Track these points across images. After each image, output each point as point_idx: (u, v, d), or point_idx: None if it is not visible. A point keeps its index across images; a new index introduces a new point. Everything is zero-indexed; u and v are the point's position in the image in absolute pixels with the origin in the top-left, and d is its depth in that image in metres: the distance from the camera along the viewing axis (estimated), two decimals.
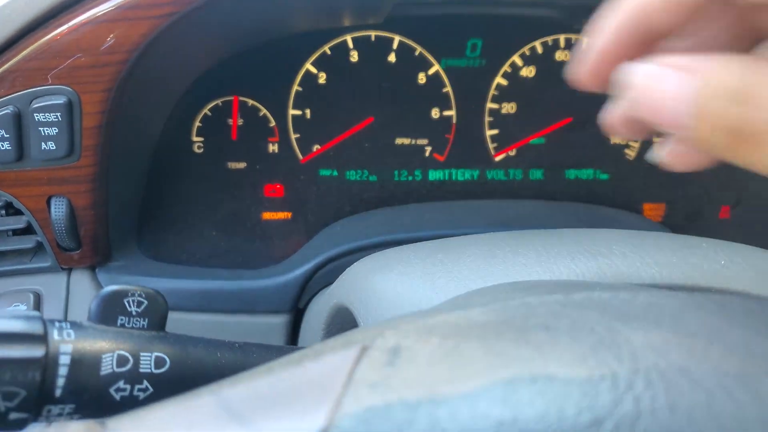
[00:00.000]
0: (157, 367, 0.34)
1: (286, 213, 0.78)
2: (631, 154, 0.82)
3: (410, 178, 0.81)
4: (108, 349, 0.32)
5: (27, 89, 0.50)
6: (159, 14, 0.48)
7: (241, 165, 0.78)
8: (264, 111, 0.77)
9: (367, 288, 0.42)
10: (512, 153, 0.81)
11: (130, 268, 0.63)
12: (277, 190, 0.78)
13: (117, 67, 0.49)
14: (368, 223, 0.68)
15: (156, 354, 0.34)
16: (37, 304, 0.61)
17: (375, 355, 0.20)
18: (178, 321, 0.64)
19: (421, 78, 0.78)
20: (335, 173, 0.79)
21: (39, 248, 0.61)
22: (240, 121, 0.77)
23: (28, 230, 0.60)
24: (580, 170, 0.82)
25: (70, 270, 0.63)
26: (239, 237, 0.74)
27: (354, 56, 0.77)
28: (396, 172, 0.80)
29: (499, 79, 0.79)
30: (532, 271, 0.40)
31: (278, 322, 0.63)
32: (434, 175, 0.81)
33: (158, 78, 0.61)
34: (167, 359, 0.34)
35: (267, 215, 0.78)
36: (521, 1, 0.74)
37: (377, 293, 0.41)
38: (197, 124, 0.76)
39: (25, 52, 0.50)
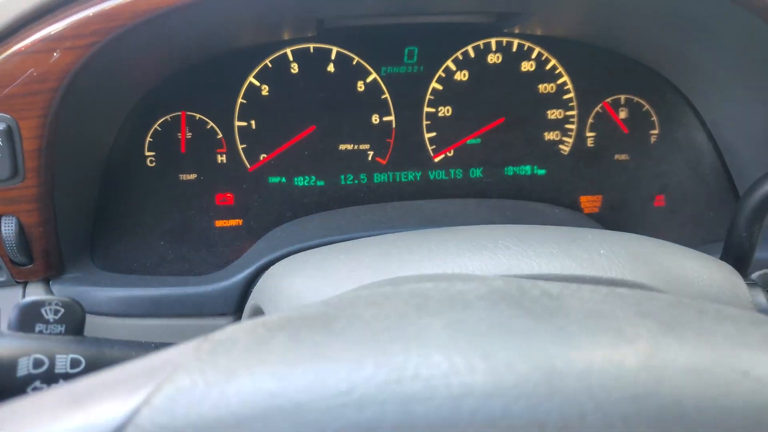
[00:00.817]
0: (72, 367, 0.38)
1: (237, 220, 0.82)
2: (565, 149, 0.86)
3: (356, 181, 0.85)
4: (24, 353, 0.36)
5: None
6: (82, 44, 0.51)
7: (192, 176, 0.81)
8: (211, 124, 0.81)
9: (276, 289, 0.46)
10: (451, 154, 0.85)
11: (82, 279, 0.67)
12: (228, 198, 0.82)
13: (49, 94, 0.53)
14: (307, 226, 0.72)
15: (72, 356, 0.38)
16: None
17: (205, 346, 0.24)
18: (130, 327, 0.68)
19: (360, 86, 0.82)
20: (284, 180, 0.83)
21: None
22: (189, 135, 0.81)
23: None
24: (518, 167, 0.86)
25: (25, 284, 0.67)
26: (187, 245, 0.78)
27: (294, 68, 0.81)
28: (342, 177, 0.84)
29: (435, 84, 0.83)
30: (420, 267, 0.44)
31: (224, 323, 0.66)
32: (379, 177, 0.85)
33: (99, 99, 0.65)
34: (83, 360, 0.38)
35: (219, 223, 0.82)
36: (452, 10, 0.78)
37: (284, 293, 0.45)
38: (148, 139, 0.80)
39: None
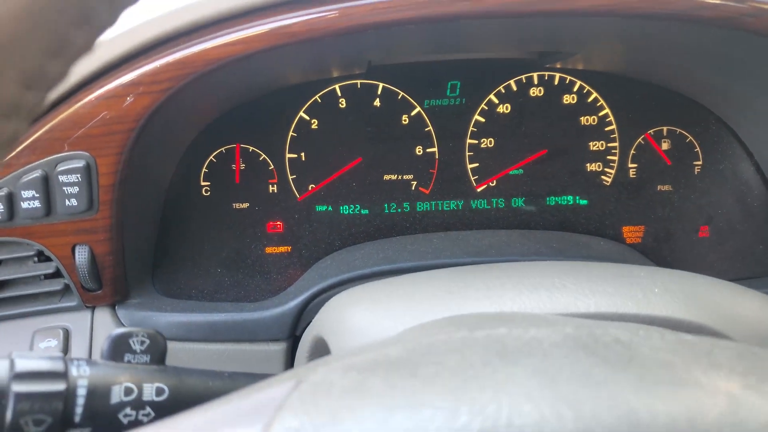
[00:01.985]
0: (158, 395, 0.41)
1: (286, 247, 0.86)
2: (607, 180, 0.87)
3: (399, 210, 0.87)
4: (116, 381, 0.39)
5: (50, 156, 0.59)
6: (158, 90, 0.56)
7: (245, 205, 0.85)
8: (263, 156, 0.85)
9: (338, 321, 0.48)
10: (493, 184, 0.87)
11: (145, 305, 0.71)
12: (278, 226, 0.86)
13: (126, 134, 0.58)
14: (356, 255, 0.75)
15: (157, 384, 0.41)
16: (66, 339, 0.69)
17: (304, 387, 0.27)
18: (189, 351, 0.71)
19: (405, 119, 0.85)
20: (330, 209, 0.87)
21: (66, 290, 0.70)
22: (242, 166, 0.85)
23: (56, 274, 0.69)
24: (560, 197, 0.87)
25: (93, 308, 0.71)
26: (242, 272, 0.81)
27: (342, 103, 0.85)
28: (386, 206, 0.87)
29: (477, 117, 0.86)
30: (480, 305, 0.45)
31: (277, 349, 0.69)
32: (422, 206, 0.87)
33: (165, 138, 0.69)
34: (166, 389, 0.41)
35: (269, 249, 0.86)
36: (494, 51, 0.81)
37: (346, 326, 0.47)
38: (204, 170, 0.85)
39: (49, 125, 0.58)
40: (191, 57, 0.55)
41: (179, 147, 0.78)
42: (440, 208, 0.87)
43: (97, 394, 0.38)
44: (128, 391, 0.39)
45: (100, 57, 0.57)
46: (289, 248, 0.86)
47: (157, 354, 0.42)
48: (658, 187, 0.86)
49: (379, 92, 0.84)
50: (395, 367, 0.27)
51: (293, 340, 0.71)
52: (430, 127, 0.86)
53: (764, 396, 0.24)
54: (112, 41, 0.58)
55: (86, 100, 0.58)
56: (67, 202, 0.62)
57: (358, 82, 0.84)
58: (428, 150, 0.86)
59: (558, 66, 0.84)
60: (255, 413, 0.25)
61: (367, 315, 0.47)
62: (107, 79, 0.58)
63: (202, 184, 0.85)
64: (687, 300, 0.47)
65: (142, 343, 0.42)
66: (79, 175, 0.61)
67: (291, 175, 0.85)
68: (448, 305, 0.46)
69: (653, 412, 0.23)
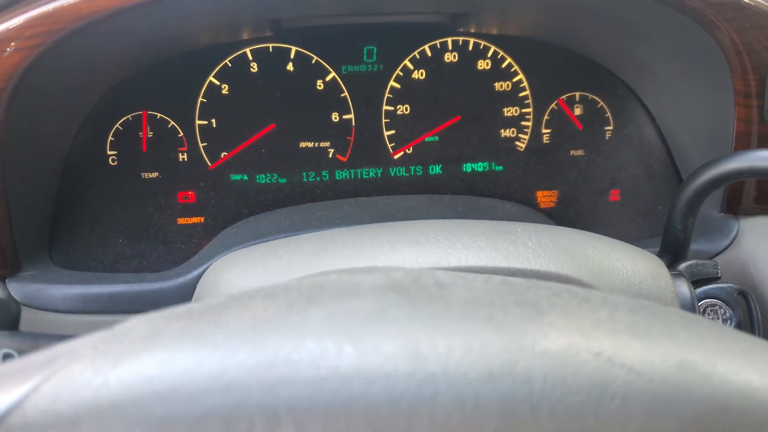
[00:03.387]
0: (5, 360, 0.39)
1: (199, 218, 0.84)
2: (521, 146, 0.88)
3: (318, 179, 0.86)
4: None
5: None
6: (27, 47, 0.52)
7: (154, 175, 0.82)
8: (172, 123, 0.82)
9: (214, 285, 0.47)
10: (410, 151, 0.86)
11: (39, 277, 0.68)
12: (189, 196, 0.83)
13: None
14: (262, 223, 0.74)
15: (4, 350, 0.39)
16: None
17: (104, 335, 0.26)
18: (87, 323, 0.69)
19: (320, 85, 0.83)
20: (245, 178, 0.85)
21: None
22: (150, 134, 0.82)
23: None
24: (475, 163, 0.88)
25: None
26: (144, 242, 0.79)
27: (254, 67, 0.82)
28: (304, 174, 0.86)
29: (393, 83, 0.85)
30: (353, 261, 0.45)
31: None
32: (341, 175, 0.86)
33: (53, 100, 0.66)
34: (15, 354, 0.39)
35: (182, 221, 0.83)
36: (405, 10, 0.80)
37: (220, 289, 0.46)
38: (110, 138, 0.81)
39: None
40: (59, 11, 0.52)
41: (76, 112, 0.75)
42: (359, 176, 0.87)
43: None
44: None
45: None
46: (202, 219, 0.84)
47: (7, 319, 0.40)
48: (571, 152, 0.88)
49: (292, 56, 0.82)
50: (203, 313, 0.27)
51: None
52: (346, 93, 0.84)
53: (549, 328, 0.25)
54: None
55: None
56: None
57: (270, 45, 0.82)
58: (344, 117, 0.85)
59: (472, 30, 0.83)
60: (47, 363, 0.24)
61: (242, 277, 0.46)
62: None
63: (109, 153, 0.81)
64: (558, 253, 0.48)
65: None
66: None
67: (202, 142, 0.83)
68: (320, 264, 0.45)
69: (433, 343, 0.23)
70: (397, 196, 0.82)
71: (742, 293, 0.52)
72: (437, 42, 0.84)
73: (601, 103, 0.87)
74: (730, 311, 0.51)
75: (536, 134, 0.87)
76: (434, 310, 0.26)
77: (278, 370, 0.22)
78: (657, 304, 0.32)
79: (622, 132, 0.87)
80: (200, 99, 0.82)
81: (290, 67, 0.83)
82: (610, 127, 0.88)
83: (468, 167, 0.88)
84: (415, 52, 0.84)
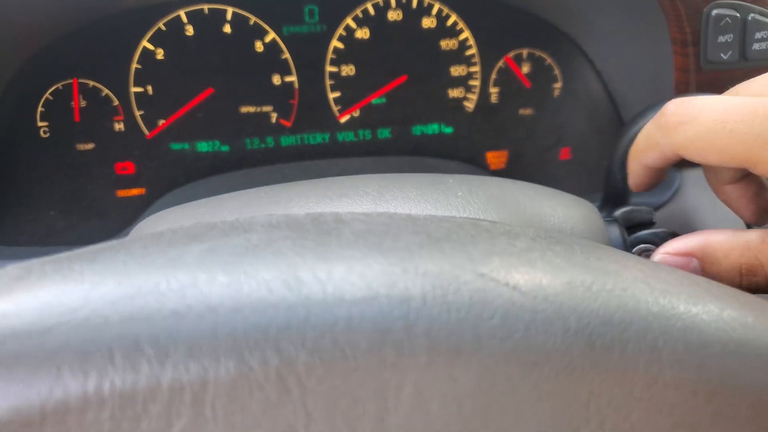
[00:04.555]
0: None
1: (140, 189, 0.81)
2: (469, 106, 0.87)
3: (263, 145, 0.84)
4: None
5: None
6: None
7: (90, 146, 0.79)
8: (106, 91, 0.78)
9: None
10: (356, 114, 0.85)
11: None
12: (128, 167, 0.80)
13: None
14: (198, 191, 0.71)
15: None
16: None
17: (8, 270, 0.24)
18: None
19: (259, 47, 0.81)
20: (186, 146, 0.82)
21: None
22: (83, 103, 0.78)
23: None
24: (425, 125, 0.87)
25: None
26: (79, 215, 0.76)
27: (189, 30, 0.79)
28: (248, 141, 0.83)
29: (336, 43, 0.82)
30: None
31: None
32: (286, 141, 0.84)
33: None
34: None
35: (122, 193, 0.80)
36: None
37: None
38: (40, 109, 0.77)
39: None
40: None
41: None
42: (306, 142, 0.84)
43: None
44: None
45: None
46: (143, 190, 0.81)
47: None
48: (520, 111, 0.87)
49: (229, 18, 0.79)
50: (80, 254, 0.25)
51: None
52: (288, 55, 0.81)
53: (438, 252, 0.24)
54: None
55: None
56: None
57: (205, 6, 0.78)
58: (286, 79, 0.82)
59: None
60: None
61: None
62: None
63: (40, 124, 0.77)
64: (488, 201, 0.47)
65: None
66: None
67: (138, 111, 0.79)
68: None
69: (314, 269, 0.22)
70: (340, 159, 0.80)
71: (675, 236, 0.52)
72: (379, 0, 0.82)
73: (549, 59, 0.87)
74: None
75: (484, 94, 0.86)
76: (324, 240, 0.25)
77: (142, 301, 0.21)
78: (568, 236, 0.32)
79: (570, 88, 0.87)
80: (134, 65, 0.78)
81: (228, 29, 0.79)
82: (558, 84, 0.87)
83: (417, 130, 0.86)
84: (358, 11, 0.82)
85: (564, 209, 0.49)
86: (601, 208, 0.58)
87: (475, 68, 0.85)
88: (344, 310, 0.21)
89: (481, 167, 0.87)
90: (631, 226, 0.54)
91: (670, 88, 0.70)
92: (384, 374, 0.21)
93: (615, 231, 0.50)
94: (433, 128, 0.87)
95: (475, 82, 0.86)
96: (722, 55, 0.63)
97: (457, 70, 0.85)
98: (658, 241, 0.53)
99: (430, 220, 0.29)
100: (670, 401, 0.21)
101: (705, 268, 0.41)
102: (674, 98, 0.42)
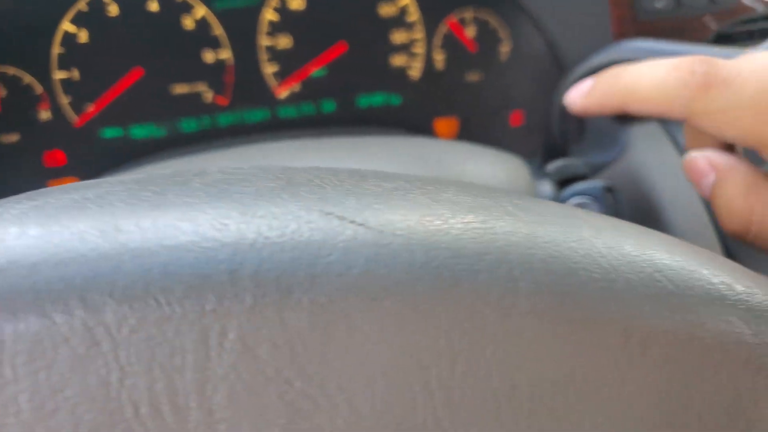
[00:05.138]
0: None
1: (72, 178, 0.77)
2: (414, 74, 0.84)
3: (200, 126, 0.80)
4: None
5: None
6: None
7: (14, 138, 0.75)
8: (28, 78, 0.74)
9: None
10: (297, 88, 0.81)
11: None
12: (58, 158, 0.77)
13: None
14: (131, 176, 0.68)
15: None
16: None
17: None
18: None
19: (188, 23, 0.77)
20: (120, 132, 0.78)
21: None
22: (3, 92, 0.74)
23: None
24: (371, 97, 0.84)
25: None
26: None
27: (112, 10, 0.75)
28: (184, 123, 0.80)
29: (270, 15, 0.79)
30: None
31: None
32: (225, 120, 0.81)
33: None
34: None
35: (52, 183, 0.77)
36: None
37: None
38: None
39: None
40: None
41: None
42: (246, 120, 0.81)
43: None
44: None
45: None
46: (76, 179, 0.77)
47: None
48: (467, 77, 0.85)
49: None
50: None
51: None
52: (221, 30, 0.78)
53: (294, 198, 0.21)
54: None
55: None
56: None
57: None
58: (220, 56, 0.79)
59: None
60: None
61: None
62: None
63: None
64: (409, 161, 0.45)
65: None
66: None
67: (64, 97, 0.76)
68: None
69: (138, 222, 0.20)
70: (283, 135, 0.77)
71: (609, 189, 0.50)
72: None
73: (492, 22, 0.84)
74: (598, 206, 0.50)
75: (429, 60, 0.83)
76: (165, 190, 0.23)
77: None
78: (474, 184, 0.29)
79: (516, 49, 0.84)
80: (56, 49, 0.74)
81: (154, 6, 0.75)
82: (504, 48, 0.85)
83: (364, 102, 0.84)
84: None
85: (491, 167, 0.47)
86: (541, 164, 0.56)
87: (419, 35, 0.83)
88: (162, 257, 0.19)
89: (433, 136, 0.84)
90: (565, 180, 0.52)
91: (609, 41, 0.68)
92: (203, 321, 0.18)
93: (544, 185, 0.49)
94: (378, 99, 0.84)
95: (419, 50, 0.83)
96: (656, 4, 0.61)
97: (399, 37, 0.82)
98: (593, 192, 0.51)
99: (306, 171, 0.27)
100: (529, 335, 0.19)
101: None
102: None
